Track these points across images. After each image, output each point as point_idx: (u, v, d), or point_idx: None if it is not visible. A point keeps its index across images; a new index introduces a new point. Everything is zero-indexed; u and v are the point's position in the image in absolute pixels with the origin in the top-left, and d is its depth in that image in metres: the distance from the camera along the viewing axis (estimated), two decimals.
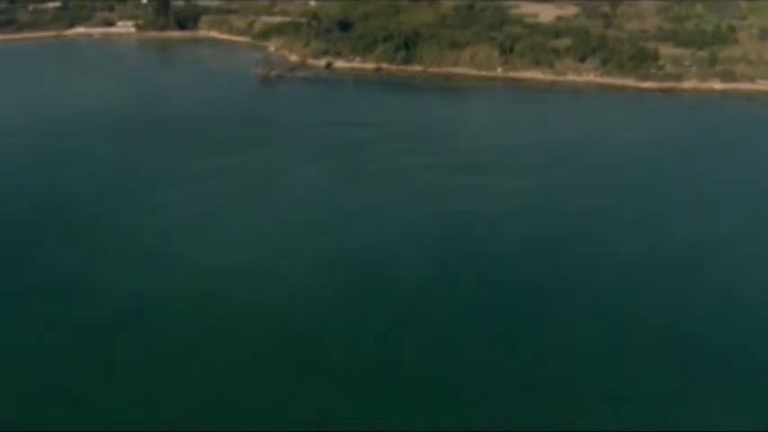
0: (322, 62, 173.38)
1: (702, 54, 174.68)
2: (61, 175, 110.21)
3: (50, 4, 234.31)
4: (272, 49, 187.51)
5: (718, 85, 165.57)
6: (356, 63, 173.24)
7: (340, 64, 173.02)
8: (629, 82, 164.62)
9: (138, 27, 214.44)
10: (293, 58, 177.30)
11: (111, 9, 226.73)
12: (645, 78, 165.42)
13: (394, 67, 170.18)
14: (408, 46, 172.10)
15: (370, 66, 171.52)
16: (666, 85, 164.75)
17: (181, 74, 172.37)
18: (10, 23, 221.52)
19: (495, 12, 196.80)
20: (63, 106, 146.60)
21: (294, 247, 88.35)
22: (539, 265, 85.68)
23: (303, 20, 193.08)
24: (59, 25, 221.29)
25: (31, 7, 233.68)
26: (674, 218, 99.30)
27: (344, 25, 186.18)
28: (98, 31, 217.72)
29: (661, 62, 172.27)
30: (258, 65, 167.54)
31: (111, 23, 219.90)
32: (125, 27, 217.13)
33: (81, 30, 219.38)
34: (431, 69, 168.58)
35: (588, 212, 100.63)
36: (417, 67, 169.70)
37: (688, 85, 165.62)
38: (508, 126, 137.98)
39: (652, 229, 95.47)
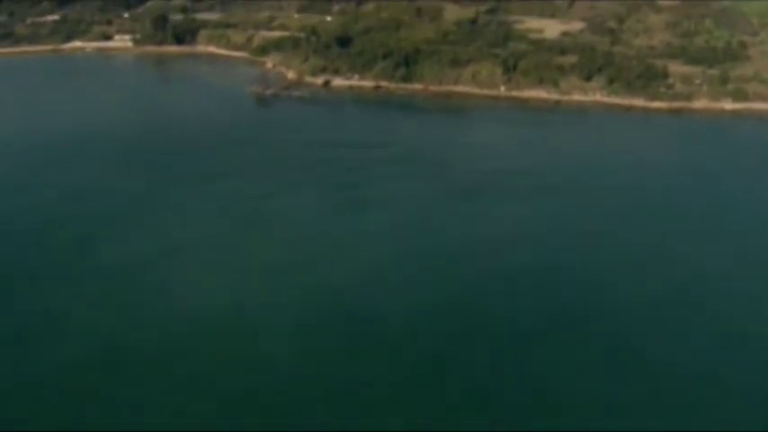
0: (319, 80, 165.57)
1: (713, 72, 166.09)
2: (21, 202, 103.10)
3: (49, 18, 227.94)
4: (269, 65, 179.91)
5: (729, 104, 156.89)
6: (354, 81, 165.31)
7: (338, 82, 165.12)
8: (638, 102, 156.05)
9: (136, 41, 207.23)
10: (290, 75, 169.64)
11: (109, 23, 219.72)
12: (654, 98, 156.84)
13: (393, 85, 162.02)
14: (408, 63, 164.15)
15: (368, 84, 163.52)
16: (676, 105, 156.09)
17: (173, 92, 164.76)
18: (7, 37, 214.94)
19: (498, 27, 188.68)
20: (43, 125, 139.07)
21: (271, 292, 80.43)
22: (536, 302, 78.00)
23: (302, 35, 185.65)
24: (57, 39, 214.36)
25: (29, 20, 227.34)
26: (687, 251, 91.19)
27: (344, 41, 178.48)
28: (95, 45, 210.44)
29: (670, 80, 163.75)
30: (253, 83, 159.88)
31: (108, 37, 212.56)
32: (122, 41, 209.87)
33: (78, 44, 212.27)
34: (431, 88, 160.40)
35: (594, 243, 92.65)
36: (417, 86, 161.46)
37: (698, 104, 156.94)
38: (510, 148, 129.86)
39: (664, 264, 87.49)
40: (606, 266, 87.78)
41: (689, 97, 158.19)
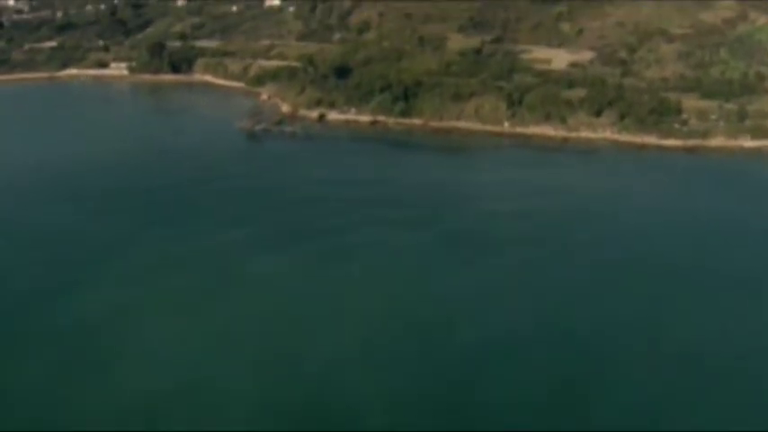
0: (314, 113, 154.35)
1: (730, 106, 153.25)
2: None
3: (47, 44, 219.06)
4: (264, 96, 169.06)
5: (748, 142, 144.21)
6: (351, 115, 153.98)
7: (333, 116, 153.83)
8: (650, 139, 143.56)
9: (131, 70, 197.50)
10: (285, 108, 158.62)
11: (106, 50, 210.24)
12: (667, 135, 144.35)
13: (391, 120, 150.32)
14: (408, 97, 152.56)
15: (365, 118, 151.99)
16: (691, 142, 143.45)
17: (160, 126, 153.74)
18: (4, 63, 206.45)
19: (504, 57, 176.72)
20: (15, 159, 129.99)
21: (227, 374, 68.60)
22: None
23: (300, 65, 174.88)
24: (53, 66, 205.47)
25: (27, 47, 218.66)
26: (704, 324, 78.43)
27: (342, 71, 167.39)
28: (90, 73, 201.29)
29: (685, 116, 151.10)
30: (244, 117, 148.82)
31: (104, 65, 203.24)
32: (118, 69, 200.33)
33: (74, 71, 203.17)
34: (431, 123, 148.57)
35: (605, 315, 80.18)
36: (417, 121, 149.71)
37: (715, 142, 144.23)
38: (512, 191, 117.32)
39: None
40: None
41: (705, 134, 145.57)
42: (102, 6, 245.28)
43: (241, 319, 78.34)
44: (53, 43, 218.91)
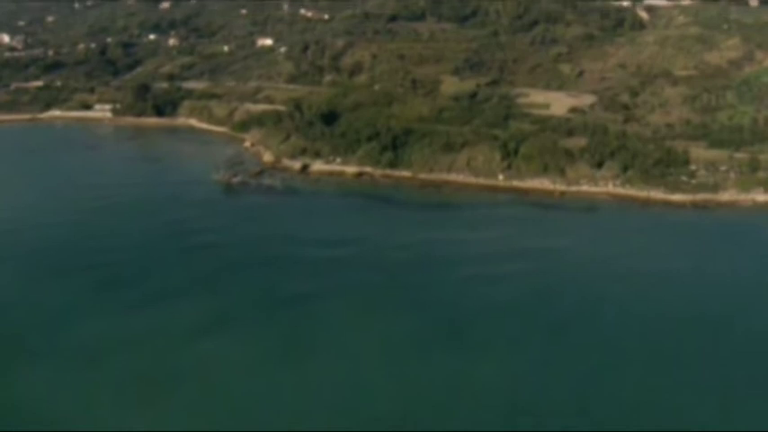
0: (297, 164, 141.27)
1: (741, 156, 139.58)
2: None
3: (33, 84, 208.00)
4: (248, 143, 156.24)
5: (761, 196, 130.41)
6: (336, 165, 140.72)
7: (317, 166, 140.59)
8: (656, 194, 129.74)
9: (115, 112, 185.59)
10: (267, 157, 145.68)
11: (91, 90, 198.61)
12: (674, 189, 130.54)
13: (379, 172, 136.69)
14: (396, 146, 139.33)
15: (351, 169, 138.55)
16: (700, 197, 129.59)
17: (134, 175, 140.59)
18: None
19: (499, 102, 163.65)
20: None
21: None
22: None
23: (285, 108, 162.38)
24: (36, 107, 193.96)
25: (13, 86, 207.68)
26: None
27: (330, 117, 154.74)
28: (73, 115, 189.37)
29: (692, 167, 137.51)
30: (220, 169, 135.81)
31: (88, 107, 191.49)
32: (102, 111, 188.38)
33: (56, 113, 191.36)
34: (421, 176, 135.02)
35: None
36: (405, 173, 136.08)
37: (726, 196, 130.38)
38: (504, 254, 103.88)
39: None
40: None
41: (714, 188, 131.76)
42: (93, 45, 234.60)
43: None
44: (40, 83, 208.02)
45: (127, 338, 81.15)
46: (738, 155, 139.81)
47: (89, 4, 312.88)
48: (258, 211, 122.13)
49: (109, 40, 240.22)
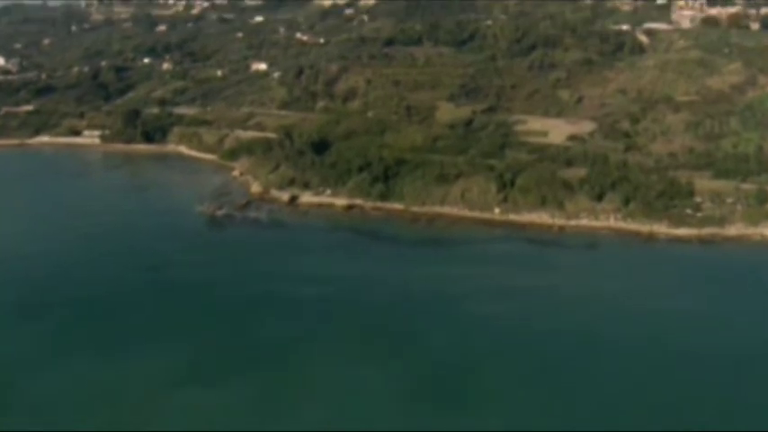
0: (285, 195, 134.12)
1: (748, 187, 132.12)
2: None
3: (23, 108, 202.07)
4: (236, 173, 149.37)
5: None
6: (325, 197, 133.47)
7: (306, 198, 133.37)
8: (660, 228, 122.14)
9: (103, 138, 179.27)
10: (255, 187, 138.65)
11: (81, 116, 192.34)
12: (679, 223, 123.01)
13: (369, 204, 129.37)
14: (388, 177, 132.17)
15: (340, 201, 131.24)
16: (706, 231, 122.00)
17: (118, 207, 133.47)
18: None
19: (496, 130, 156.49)
20: None
21: None
22: None
23: (276, 136, 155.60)
24: (25, 132, 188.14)
25: (3, 110, 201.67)
26: None
27: (321, 146, 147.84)
28: (61, 141, 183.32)
29: (697, 199, 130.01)
30: (205, 200, 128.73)
31: (77, 132, 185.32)
32: (90, 137, 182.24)
33: (45, 138, 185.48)
34: (413, 209, 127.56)
35: None
36: (397, 205, 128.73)
37: (733, 231, 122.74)
38: (497, 296, 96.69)
39: None
40: None
41: (721, 221, 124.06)
42: (87, 69, 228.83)
43: None
44: (30, 107, 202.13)
45: (88, 394, 73.86)
46: (745, 186, 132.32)
47: (86, 27, 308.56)
48: (241, 246, 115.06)
49: (103, 63, 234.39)
